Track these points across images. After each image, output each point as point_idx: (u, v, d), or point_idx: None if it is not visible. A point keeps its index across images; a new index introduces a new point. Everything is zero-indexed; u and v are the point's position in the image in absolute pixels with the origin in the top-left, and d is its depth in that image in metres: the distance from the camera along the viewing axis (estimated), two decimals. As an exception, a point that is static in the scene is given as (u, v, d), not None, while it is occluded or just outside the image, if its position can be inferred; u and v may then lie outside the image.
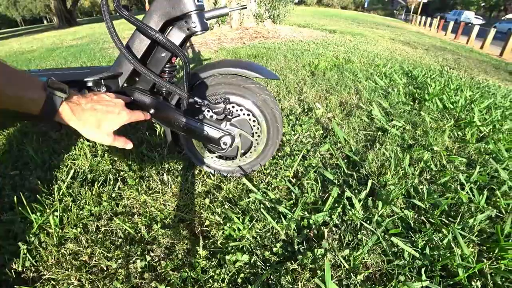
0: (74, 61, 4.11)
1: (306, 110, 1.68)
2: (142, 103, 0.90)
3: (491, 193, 1.09)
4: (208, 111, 0.92)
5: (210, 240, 0.85)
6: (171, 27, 0.86)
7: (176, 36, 0.84)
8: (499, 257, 0.81)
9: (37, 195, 1.10)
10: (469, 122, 1.66)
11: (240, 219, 0.87)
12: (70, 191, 1.10)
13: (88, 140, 1.49)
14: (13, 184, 1.19)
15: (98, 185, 1.11)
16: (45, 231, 0.93)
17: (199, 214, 0.95)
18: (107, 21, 0.74)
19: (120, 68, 0.93)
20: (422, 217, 0.94)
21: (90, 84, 0.88)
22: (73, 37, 8.27)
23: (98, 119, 0.56)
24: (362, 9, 34.62)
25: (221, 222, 0.90)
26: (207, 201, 0.98)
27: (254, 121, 0.96)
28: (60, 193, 1.08)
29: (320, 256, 0.76)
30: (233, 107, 0.94)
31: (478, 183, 1.14)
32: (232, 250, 0.80)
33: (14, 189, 1.16)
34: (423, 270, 0.74)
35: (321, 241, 0.81)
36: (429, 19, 15.85)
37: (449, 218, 0.96)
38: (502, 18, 28.53)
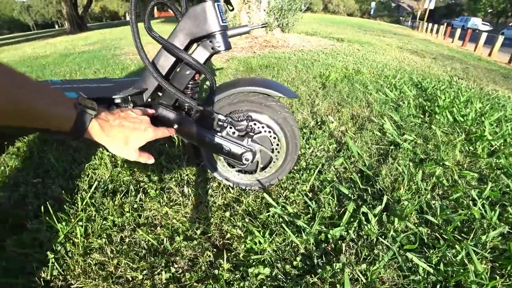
0: (87, 67, 4.21)
1: (319, 123, 1.73)
2: (166, 118, 0.96)
3: (503, 209, 1.11)
4: (231, 127, 0.97)
5: (232, 253, 0.89)
6: (196, 45, 0.91)
7: (200, 54, 0.89)
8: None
9: (61, 204, 1.14)
10: (480, 136, 1.68)
11: (261, 233, 0.92)
12: (93, 201, 1.15)
13: (108, 150, 1.56)
14: (35, 192, 1.24)
15: (120, 196, 1.16)
16: (71, 241, 0.97)
17: (220, 227, 0.99)
18: (136, 41, 0.81)
19: (145, 84, 0.99)
20: (436, 233, 0.97)
21: (118, 101, 0.94)
22: (85, 42, 8.46)
23: (125, 136, 0.57)
24: (368, 16, 34.70)
25: (242, 235, 0.94)
26: (227, 214, 1.03)
27: (274, 137, 1.01)
28: (84, 203, 1.12)
29: (338, 270, 0.79)
30: (254, 124, 1.00)
31: (490, 199, 1.17)
32: (254, 263, 0.84)
33: (37, 197, 1.20)
34: (438, 286, 0.77)
35: (339, 255, 0.84)
36: (435, 26, 15.83)
37: (462, 234, 0.99)
38: (510, 24, 28.31)
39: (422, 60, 4.57)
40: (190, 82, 0.96)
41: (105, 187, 1.26)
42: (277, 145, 1.03)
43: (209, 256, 0.88)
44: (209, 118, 0.95)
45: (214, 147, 0.96)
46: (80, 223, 1.03)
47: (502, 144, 1.65)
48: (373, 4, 36.24)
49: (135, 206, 1.12)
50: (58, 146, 1.64)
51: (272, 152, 1.05)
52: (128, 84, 1.31)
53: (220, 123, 0.93)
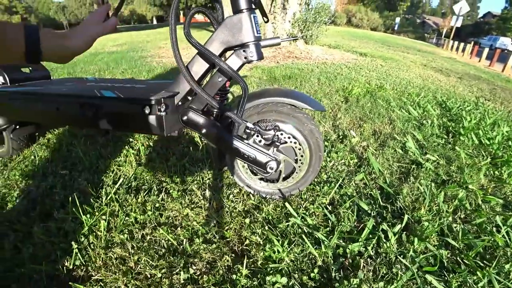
0: (115, 67, 4.39)
1: (341, 137, 1.74)
2: (195, 122, 1.01)
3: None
4: (258, 136, 1.01)
5: (251, 260, 0.91)
6: (229, 53, 0.96)
7: (233, 62, 0.93)
8: None
9: (86, 197, 1.20)
10: (506, 160, 1.63)
11: (280, 242, 0.94)
12: (117, 196, 1.20)
13: (133, 148, 1.63)
14: (63, 183, 1.32)
15: (143, 194, 1.21)
16: (94, 233, 1.02)
17: (240, 233, 1.02)
18: (174, 46, 0.87)
19: (178, 87, 1.05)
20: (456, 257, 0.96)
21: (152, 102, 1.00)
22: (114, 43, 8.83)
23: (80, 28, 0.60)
24: (392, 32, 34.32)
25: (261, 242, 0.96)
26: (247, 220, 1.05)
27: (299, 149, 1.04)
28: (108, 198, 1.18)
29: (356, 286, 0.80)
30: (281, 134, 1.03)
31: (514, 226, 1.14)
32: (272, 272, 0.86)
33: (64, 188, 1.28)
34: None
35: (356, 271, 0.85)
36: (462, 44, 15.42)
37: (484, 261, 0.97)
38: None
39: (447, 79, 4.48)
40: (221, 89, 1.01)
41: (129, 184, 1.32)
42: (301, 156, 1.06)
43: (228, 261, 0.91)
44: (237, 125, 1.00)
45: (240, 154, 1.00)
46: (104, 217, 1.07)
47: (531, 171, 1.60)
48: (397, 19, 35.85)
49: (157, 205, 1.16)
50: (86, 140, 1.73)
51: (296, 162, 1.08)
52: (159, 87, 1.38)
53: (247, 131, 0.97)
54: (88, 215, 1.07)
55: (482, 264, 0.95)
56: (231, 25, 0.90)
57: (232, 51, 0.95)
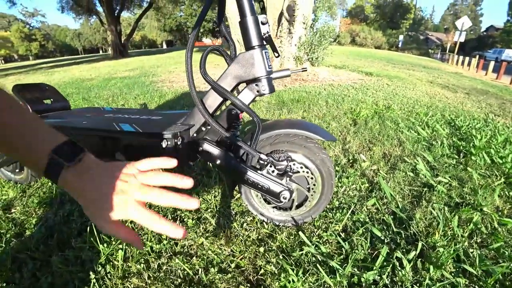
0: (128, 92, 4.53)
1: (351, 161, 1.77)
2: (210, 154, 1.06)
3: (550, 264, 1.06)
4: (271, 166, 1.06)
5: None
6: (242, 87, 1.02)
7: (246, 96, 0.99)
8: None
9: None
10: (520, 181, 1.62)
11: (294, 271, 0.96)
12: (132, 225, 1.23)
13: None
14: (80, 210, 1.32)
15: None
16: (111, 263, 1.03)
17: (254, 262, 1.04)
18: (190, 84, 0.94)
19: (193, 120, 1.12)
20: (475, 285, 0.95)
21: (168, 136, 1.07)
22: (125, 68, 9.14)
23: (101, 197, 0.39)
24: (396, 49, 34.79)
25: (276, 272, 0.98)
26: (262, 249, 1.08)
27: (312, 178, 1.09)
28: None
29: (374, 316, 0.81)
30: (293, 164, 1.08)
31: (534, 251, 1.12)
32: (288, 301, 0.87)
33: (81, 215, 1.29)
34: None
35: (374, 300, 0.86)
36: (467, 58, 15.46)
37: (504, 288, 0.95)
38: None
39: (454, 96, 4.49)
40: (234, 121, 1.07)
41: None
42: (314, 185, 1.10)
43: None
44: (251, 156, 1.05)
45: (254, 184, 1.04)
46: (120, 246, 1.10)
47: (547, 191, 1.57)
48: (401, 37, 36.46)
49: None
50: None
51: (308, 191, 1.11)
52: (174, 118, 1.47)
53: (261, 161, 1.02)
54: (105, 244, 1.09)
55: (502, 292, 0.93)
56: (244, 61, 0.97)
57: (245, 84, 1.01)
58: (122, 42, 17.73)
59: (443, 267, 0.97)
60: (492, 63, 12.27)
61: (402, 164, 1.75)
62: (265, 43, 0.98)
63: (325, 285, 0.91)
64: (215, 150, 1.06)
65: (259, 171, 1.04)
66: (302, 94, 3.69)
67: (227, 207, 1.34)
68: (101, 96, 4.46)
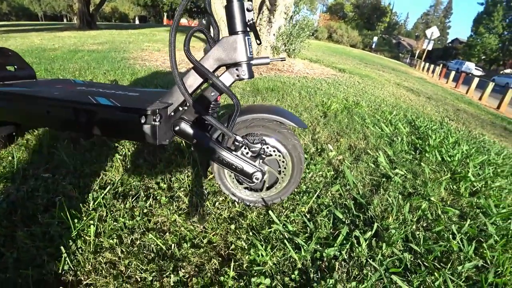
0: (97, 67, 4.25)
1: (319, 150, 1.87)
2: (187, 133, 1.08)
3: (478, 245, 1.24)
4: (245, 148, 1.10)
5: (237, 263, 0.98)
6: (223, 70, 1.04)
7: (226, 79, 1.02)
8: None
9: (72, 201, 1.19)
10: (464, 176, 1.83)
11: (263, 246, 1.02)
12: (104, 201, 1.21)
13: (119, 154, 1.64)
14: (46, 186, 1.28)
15: (131, 200, 1.23)
16: (82, 238, 1.02)
17: (225, 238, 1.09)
18: (172, 62, 0.94)
19: (171, 98, 1.12)
20: (418, 260, 1.09)
21: (148, 113, 1.06)
22: (94, 41, 8.41)
23: None
24: (370, 49, 36.23)
25: (246, 247, 1.04)
26: (232, 226, 1.12)
27: (283, 161, 1.14)
28: (96, 203, 1.18)
29: (331, 286, 0.90)
30: (267, 147, 1.12)
31: (468, 234, 1.30)
32: (256, 274, 0.93)
33: (47, 191, 1.25)
34: (417, 307, 0.88)
35: (332, 273, 0.95)
36: (432, 66, 16.64)
37: (441, 264, 1.10)
38: (501, 72, 30.05)
39: (417, 99, 4.84)
40: (212, 102, 1.09)
41: (116, 189, 1.33)
42: (284, 168, 1.16)
43: (215, 264, 0.97)
44: (227, 137, 1.07)
45: (228, 164, 1.08)
46: (92, 221, 1.08)
47: (483, 185, 1.80)
48: (375, 38, 37.98)
49: (145, 211, 1.19)
50: (69, 143, 1.69)
51: (279, 174, 1.17)
52: (152, 95, 1.43)
53: (236, 143, 1.05)
54: (75, 220, 1.06)
55: (439, 266, 1.08)
56: (226, 45, 0.99)
57: (225, 68, 1.03)
58: (91, 12, 16.25)
59: (394, 245, 1.10)
60: (453, 73, 13.35)
61: (366, 156, 1.89)
62: (248, 29, 1.01)
63: (291, 259, 0.99)
64: (192, 130, 1.07)
65: (234, 152, 1.07)
66: (277, 84, 3.74)
67: (200, 187, 1.36)
68: (66, 68, 4.10)
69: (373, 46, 37.29)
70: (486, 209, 1.54)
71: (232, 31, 0.99)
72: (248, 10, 0.99)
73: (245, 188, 1.24)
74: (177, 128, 1.07)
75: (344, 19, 44.18)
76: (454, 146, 2.40)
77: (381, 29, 45.35)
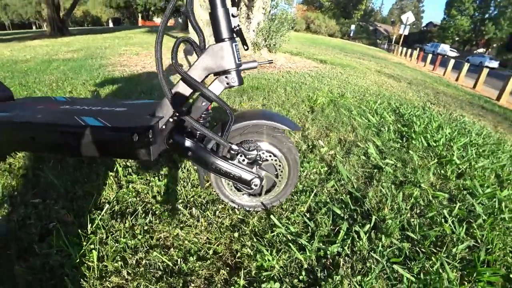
0: (75, 77, 4.04)
1: (310, 147, 1.90)
2: (181, 146, 1.07)
3: (469, 225, 1.31)
4: (241, 156, 1.10)
5: (245, 271, 0.99)
6: (212, 79, 1.02)
7: (216, 87, 1.01)
8: (477, 280, 1.02)
9: (67, 226, 1.12)
10: (449, 160, 1.92)
11: (269, 251, 1.04)
12: (102, 223, 1.16)
13: (111, 170, 1.59)
14: (37, 213, 1.21)
15: (130, 218, 1.19)
16: (85, 264, 0.98)
17: (230, 247, 1.09)
18: (160, 75, 0.93)
19: (162, 112, 1.11)
20: (416, 247, 1.14)
21: (141, 130, 1.04)
22: (68, 48, 7.90)
23: None
24: (348, 38, 36.68)
25: (252, 254, 1.05)
26: (236, 234, 1.13)
27: (279, 165, 1.16)
28: (94, 226, 1.13)
29: (338, 282, 0.93)
30: (263, 153, 1.14)
31: (458, 216, 1.37)
32: (265, 279, 0.95)
33: (40, 218, 1.18)
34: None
35: (337, 269, 0.98)
36: (409, 50, 17.06)
37: (437, 248, 1.16)
38: (474, 52, 31.40)
39: (398, 85, 4.97)
40: (204, 112, 1.09)
41: (112, 208, 1.28)
42: (281, 171, 1.18)
43: (224, 275, 0.98)
44: (222, 147, 1.08)
45: (226, 173, 1.08)
46: (92, 246, 1.04)
47: (468, 167, 1.89)
48: (353, 26, 38.50)
49: (146, 228, 1.16)
50: (55, 164, 1.60)
51: (276, 177, 1.19)
52: (140, 108, 1.40)
53: (232, 152, 1.06)
54: (75, 247, 1.02)
55: (435, 251, 1.14)
56: (213, 53, 0.98)
57: (214, 76, 1.02)
58: (61, 17, 15.50)
59: (392, 235, 1.15)
60: (430, 56, 13.76)
61: (356, 148, 1.93)
62: (235, 35, 1.00)
63: (296, 261, 1.02)
64: (186, 142, 1.06)
65: (230, 161, 1.08)
66: (261, 81, 3.75)
67: (197, 197, 1.36)
68: (42, 81, 3.88)
69: (351, 35, 37.78)
70: (472, 189, 1.62)
71: (218, 38, 0.98)
72: (233, 16, 0.98)
73: (244, 194, 1.25)
74: (170, 141, 1.07)
75: (320, 9, 44.42)
76: (438, 131, 2.50)
77: (358, 17, 45.94)
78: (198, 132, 1.10)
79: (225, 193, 1.25)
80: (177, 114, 1.08)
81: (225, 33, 0.97)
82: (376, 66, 7.53)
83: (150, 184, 1.45)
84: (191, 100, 1.14)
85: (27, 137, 1.16)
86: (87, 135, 1.09)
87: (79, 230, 1.12)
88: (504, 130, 3.50)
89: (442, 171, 1.80)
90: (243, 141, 1.13)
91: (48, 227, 1.14)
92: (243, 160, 1.12)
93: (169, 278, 0.96)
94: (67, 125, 1.13)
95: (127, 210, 1.28)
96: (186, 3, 1.00)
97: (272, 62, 1.17)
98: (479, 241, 1.24)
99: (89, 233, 1.12)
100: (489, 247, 1.20)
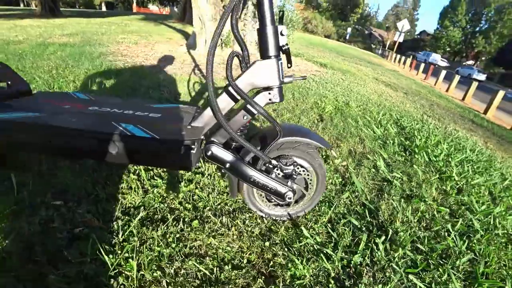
0: (75, 65, 3.86)
1: (324, 157, 2.01)
2: (220, 157, 1.11)
3: (468, 240, 1.45)
4: (277, 169, 1.18)
5: (278, 279, 1.06)
6: (255, 93, 1.06)
7: (258, 102, 1.05)
8: None
9: (96, 232, 1.11)
10: (449, 176, 2.07)
11: (299, 260, 1.13)
12: (135, 230, 1.16)
13: (133, 173, 1.55)
14: (61, 216, 1.19)
15: (162, 225, 1.20)
16: (123, 274, 0.99)
17: (262, 255, 1.16)
18: (210, 92, 0.96)
19: (202, 122, 1.14)
20: (425, 259, 1.27)
21: (188, 143, 1.08)
22: (62, 32, 7.44)
23: None
24: (344, 40, 37.10)
25: (284, 263, 1.13)
26: (267, 243, 1.20)
27: (310, 180, 1.26)
28: (127, 232, 1.13)
29: (363, 289, 1.04)
30: (297, 168, 1.22)
31: (459, 231, 1.51)
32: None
33: (64, 222, 1.16)
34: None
35: (361, 278, 1.10)
36: (403, 57, 17.50)
37: (442, 259, 1.29)
38: (463, 63, 32.51)
39: (396, 94, 5.15)
40: (244, 125, 1.13)
41: (137, 213, 1.26)
42: (311, 185, 1.27)
43: (260, 283, 1.03)
44: (261, 160, 1.13)
45: (263, 186, 1.15)
46: (127, 254, 1.05)
47: (465, 183, 2.05)
48: (349, 29, 38.99)
49: (177, 235, 1.18)
50: (72, 164, 1.55)
51: (306, 190, 1.29)
52: (173, 114, 1.40)
53: (270, 166, 1.14)
54: (110, 255, 1.02)
55: (442, 262, 1.27)
56: (259, 69, 1.02)
57: (257, 91, 1.06)
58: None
59: (406, 247, 1.27)
60: (422, 65, 14.19)
61: (366, 160, 2.06)
62: (281, 53, 1.03)
63: (324, 269, 1.12)
64: (224, 154, 1.11)
65: (268, 175, 1.15)
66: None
67: (224, 204, 1.41)
68: (40, 67, 3.64)
69: (347, 37, 38.18)
70: (470, 205, 1.77)
71: (265, 55, 1.01)
72: (282, 35, 1.01)
73: (273, 204, 1.33)
74: (209, 153, 1.10)
75: (318, 10, 44.58)
76: (437, 145, 2.66)
77: (354, 20, 46.44)
78: (237, 144, 1.16)
79: (255, 202, 1.33)
80: (216, 125, 1.13)
81: (272, 51, 1.00)
82: (373, 73, 7.73)
83: (176, 190, 1.47)
84: (231, 112, 1.18)
85: (62, 142, 1.13)
86: (133, 145, 1.10)
87: (110, 237, 1.12)
88: (493, 146, 3.73)
89: (443, 187, 1.95)
90: (281, 155, 1.21)
91: (74, 232, 1.13)
92: (279, 174, 1.20)
93: (209, 287, 1.00)
94: (110, 133, 1.11)
95: (155, 216, 1.29)
96: (231, 17, 0.99)
97: (305, 78, 1.24)
98: (477, 254, 1.38)
99: (120, 240, 1.12)
100: (486, 260, 1.34)
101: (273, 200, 1.29)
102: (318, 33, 36.24)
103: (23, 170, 1.48)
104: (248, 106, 1.05)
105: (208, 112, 1.14)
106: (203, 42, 5.65)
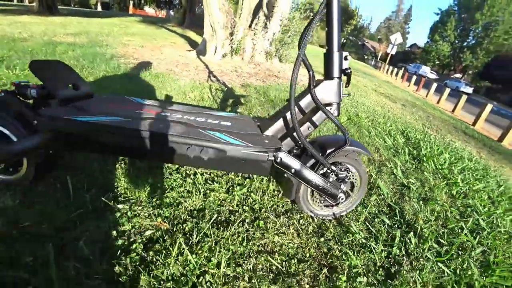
0: (91, 66, 3.77)
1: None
2: (287, 164, 1.27)
3: (478, 235, 1.72)
4: (332, 173, 1.40)
5: (338, 269, 1.26)
6: (316, 109, 1.29)
7: (320, 116, 1.28)
8: (492, 275, 1.40)
9: (170, 234, 1.20)
10: (454, 182, 2.36)
11: (351, 252, 1.36)
12: (209, 232, 1.27)
13: (188, 177, 1.68)
14: (124, 217, 1.26)
15: (231, 226, 1.33)
16: (208, 271, 1.09)
17: (318, 249, 1.36)
18: (292, 98, 1.18)
19: (274, 131, 1.35)
20: (447, 251, 1.53)
21: (274, 151, 1.26)
22: (65, 31, 7.18)
23: None
24: (338, 50, 37.89)
25: (339, 255, 1.34)
26: (322, 239, 1.41)
27: (356, 183, 1.50)
28: (202, 233, 1.25)
29: (406, 275, 1.28)
30: (349, 172, 1.46)
31: (469, 228, 1.78)
32: (353, 275, 1.25)
33: (133, 226, 1.24)
34: (456, 284, 1.31)
35: (401, 266, 1.33)
36: (395, 69, 18.22)
37: (460, 251, 1.55)
38: (452, 76, 33.93)
39: (395, 106, 5.51)
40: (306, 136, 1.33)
41: (202, 215, 1.38)
42: (357, 188, 1.52)
43: (325, 273, 1.21)
44: (322, 166, 1.33)
45: (322, 189, 1.36)
46: (207, 254, 1.17)
47: (468, 189, 2.35)
48: (343, 40, 39.86)
49: (245, 235, 1.31)
50: (121, 163, 1.61)
51: (352, 192, 1.53)
52: (240, 122, 1.52)
53: (329, 171, 1.36)
54: (193, 255, 1.12)
55: (460, 253, 1.53)
56: (325, 88, 1.25)
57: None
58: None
59: (432, 240, 1.53)
60: (414, 78, 14.85)
61: (384, 168, 2.33)
62: (343, 75, 1.26)
63: (371, 259, 1.35)
64: (292, 161, 1.28)
65: (326, 179, 1.36)
66: (285, 94, 4.08)
67: (276, 206, 1.60)
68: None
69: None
70: (474, 208, 2.06)
71: (330, 76, 1.24)
72: (345, 59, 1.24)
73: (324, 205, 1.55)
74: (278, 159, 1.27)
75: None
76: (440, 155, 2.97)
77: (348, 31, 47.74)
78: (295, 151, 1.40)
79: (307, 204, 1.53)
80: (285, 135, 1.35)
81: (336, 73, 1.24)
82: (371, 84, 8.13)
83: (232, 193, 1.60)
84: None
85: (157, 146, 1.20)
86: (226, 152, 1.20)
87: (185, 238, 1.22)
88: (485, 156, 4.09)
89: (451, 191, 2.23)
90: (335, 162, 1.44)
91: (147, 235, 1.21)
92: (333, 178, 1.41)
93: (285, 279, 1.14)
94: (207, 140, 1.18)
95: (219, 218, 1.41)
96: (300, 45, 1.21)
97: (349, 95, 1.48)
98: (486, 247, 1.65)
99: (195, 241, 1.23)
100: (495, 252, 1.61)
101: (324, 202, 1.52)
102: (313, 42, 37.08)
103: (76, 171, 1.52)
104: (313, 119, 1.28)
105: (279, 122, 1.35)
106: (213, 49, 5.86)
